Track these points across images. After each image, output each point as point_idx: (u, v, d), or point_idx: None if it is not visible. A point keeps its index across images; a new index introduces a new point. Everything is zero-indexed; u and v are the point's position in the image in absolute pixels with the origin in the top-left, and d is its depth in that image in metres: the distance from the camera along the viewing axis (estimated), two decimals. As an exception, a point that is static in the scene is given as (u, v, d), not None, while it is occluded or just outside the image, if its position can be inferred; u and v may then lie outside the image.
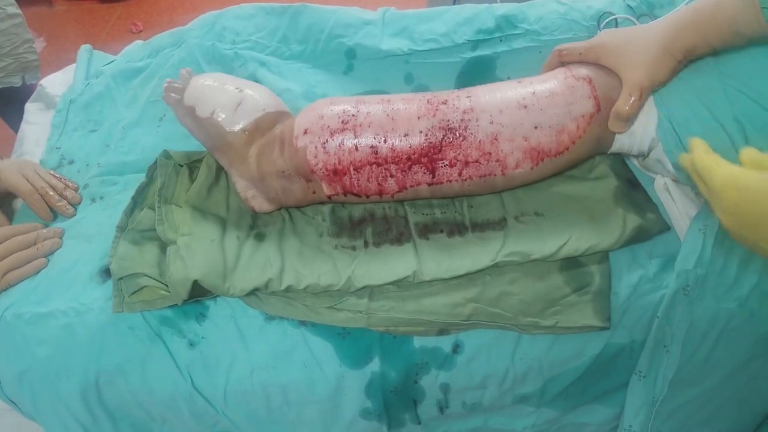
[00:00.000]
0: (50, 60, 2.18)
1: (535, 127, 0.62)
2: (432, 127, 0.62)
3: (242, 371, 0.67)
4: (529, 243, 0.64)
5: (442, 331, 0.65)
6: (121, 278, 0.67)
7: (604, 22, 0.78)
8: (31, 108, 0.98)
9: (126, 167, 0.82)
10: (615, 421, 0.72)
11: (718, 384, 0.63)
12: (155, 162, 0.74)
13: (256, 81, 0.84)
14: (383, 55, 0.83)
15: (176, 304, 0.67)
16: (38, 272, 0.74)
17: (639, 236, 0.64)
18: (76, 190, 0.81)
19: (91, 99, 0.90)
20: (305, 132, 0.65)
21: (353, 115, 0.64)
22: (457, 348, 0.66)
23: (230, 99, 0.68)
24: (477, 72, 0.80)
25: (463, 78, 0.81)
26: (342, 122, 0.64)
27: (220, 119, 0.68)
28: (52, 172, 0.82)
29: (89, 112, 0.90)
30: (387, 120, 0.63)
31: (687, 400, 0.64)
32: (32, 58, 1.32)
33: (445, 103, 0.63)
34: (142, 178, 0.79)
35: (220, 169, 0.75)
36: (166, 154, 0.75)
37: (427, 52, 0.82)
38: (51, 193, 0.78)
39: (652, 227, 0.65)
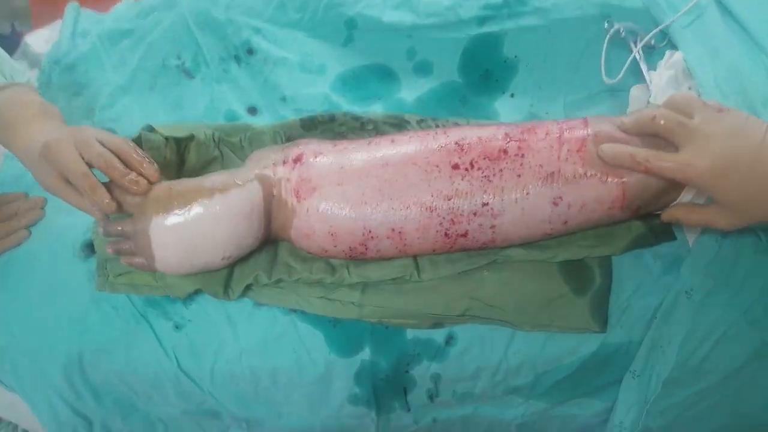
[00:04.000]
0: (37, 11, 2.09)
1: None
2: None
3: (230, 354, 0.66)
4: (530, 245, 0.62)
5: (436, 325, 0.63)
6: (107, 259, 0.65)
7: (612, 30, 0.73)
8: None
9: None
10: (605, 414, 0.72)
11: (711, 386, 0.62)
12: (139, 135, 0.70)
13: (250, 49, 0.80)
14: (385, 28, 0.79)
15: (162, 288, 0.66)
16: (20, 243, 0.72)
17: (643, 243, 0.62)
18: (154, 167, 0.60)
19: (76, 59, 0.86)
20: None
21: (362, 253, 0.61)
22: (450, 340, 0.65)
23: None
24: (483, 51, 0.76)
25: (467, 56, 0.77)
26: (350, 257, 0.62)
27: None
28: (126, 140, 0.61)
29: (74, 74, 0.86)
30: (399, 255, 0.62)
31: (679, 399, 0.63)
32: (22, 4, 1.26)
33: (464, 236, 0.59)
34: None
35: (211, 161, 0.72)
36: (149, 128, 0.71)
37: (430, 27, 0.78)
38: (117, 166, 0.57)
39: (657, 235, 0.63)
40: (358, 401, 0.68)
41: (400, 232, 0.59)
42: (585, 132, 0.59)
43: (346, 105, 0.77)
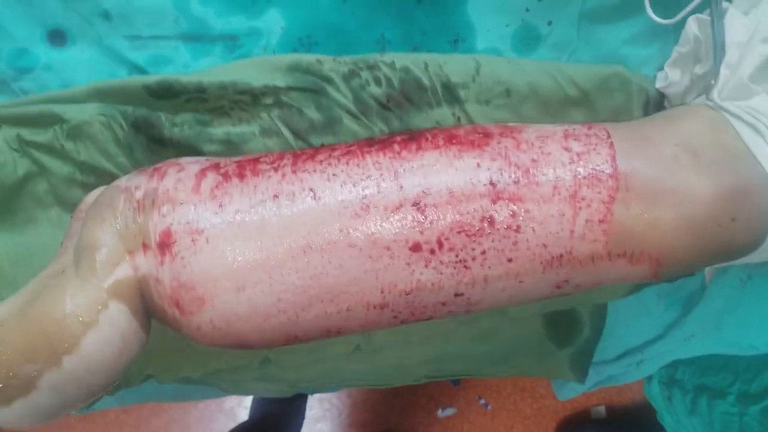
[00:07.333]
0: None
1: None
2: None
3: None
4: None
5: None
6: None
7: None
8: None
9: None
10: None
11: None
12: None
13: None
14: None
15: None
16: None
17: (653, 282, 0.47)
18: None
19: None
20: None
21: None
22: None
23: None
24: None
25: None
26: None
27: None
28: None
29: None
30: None
31: None
32: None
33: (428, 319, 0.40)
34: None
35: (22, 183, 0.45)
36: None
37: None
38: None
39: None
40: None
41: (338, 331, 0.42)
42: (613, 183, 0.38)
43: (217, 21, 0.46)
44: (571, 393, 0.63)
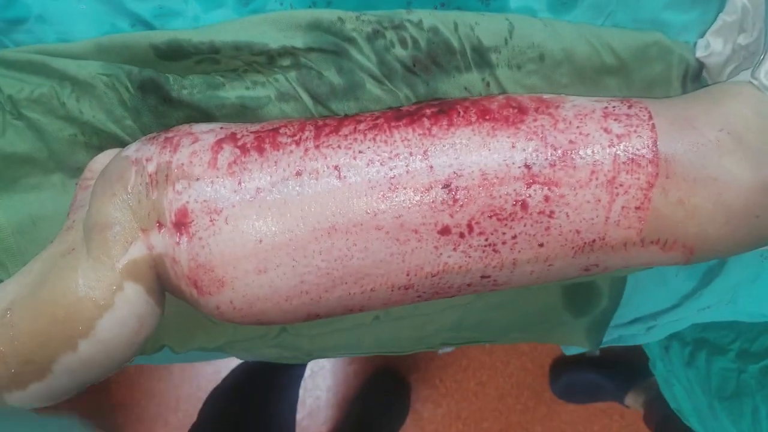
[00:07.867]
0: None
1: None
2: None
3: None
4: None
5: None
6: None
7: None
8: None
9: None
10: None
11: None
12: None
13: None
14: None
15: None
16: None
17: None
18: None
19: None
20: None
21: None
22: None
23: None
24: None
25: None
26: None
27: None
28: None
29: None
30: None
31: None
32: None
33: (451, 297, 0.36)
34: None
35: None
36: None
37: None
38: None
39: None
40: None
41: (360, 309, 0.41)
42: (653, 169, 0.36)
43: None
44: (577, 350, 0.64)
